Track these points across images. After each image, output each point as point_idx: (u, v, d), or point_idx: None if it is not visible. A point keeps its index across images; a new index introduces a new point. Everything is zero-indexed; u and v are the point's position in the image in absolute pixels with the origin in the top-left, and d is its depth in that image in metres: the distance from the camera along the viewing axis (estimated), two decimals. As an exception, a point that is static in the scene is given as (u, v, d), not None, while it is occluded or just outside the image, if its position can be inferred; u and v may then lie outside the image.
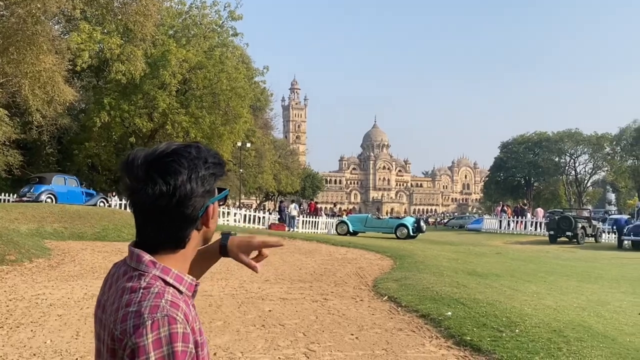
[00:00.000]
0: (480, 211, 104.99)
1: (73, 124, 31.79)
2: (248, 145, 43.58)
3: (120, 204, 26.05)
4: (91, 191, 27.39)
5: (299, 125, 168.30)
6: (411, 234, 25.13)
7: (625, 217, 36.27)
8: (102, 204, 25.48)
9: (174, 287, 1.21)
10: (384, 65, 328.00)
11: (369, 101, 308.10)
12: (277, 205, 40.05)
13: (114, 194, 30.06)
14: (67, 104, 25.36)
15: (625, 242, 25.08)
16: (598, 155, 77.58)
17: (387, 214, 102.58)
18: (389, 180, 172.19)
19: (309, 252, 14.61)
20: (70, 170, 32.09)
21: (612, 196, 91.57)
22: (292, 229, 29.30)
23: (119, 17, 28.96)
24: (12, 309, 7.19)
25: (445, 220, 72.88)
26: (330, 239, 19.04)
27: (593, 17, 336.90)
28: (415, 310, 7.17)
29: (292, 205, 32.65)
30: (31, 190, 23.81)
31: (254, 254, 1.52)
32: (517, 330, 5.89)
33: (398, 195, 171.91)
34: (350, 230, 26.15)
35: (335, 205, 62.34)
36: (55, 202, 22.91)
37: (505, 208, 38.60)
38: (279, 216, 33.00)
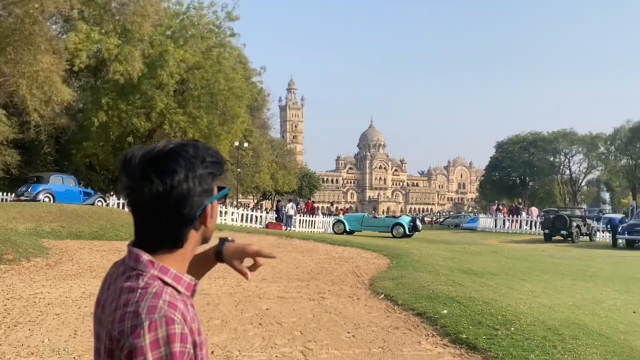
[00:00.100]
0: (475, 210, 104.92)
1: (71, 124, 31.73)
2: (245, 145, 43.55)
3: (118, 203, 26.03)
4: (89, 190, 27.36)
5: (295, 125, 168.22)
6: (407, 232, 25.16)
7: (620, 216, 36.39)
8: (99, 203, 25.45)
9: (172, 287, 1.20)
10: (380, 65, 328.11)
11: (365, 101, 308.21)
12: (274, 205, 40.04)
13: (111, 193, 30.03)
14: (65, 104, 25.35)
15: (620, 240, 25.16)
16: (592, 154, 77.67)
17: (383, 213, 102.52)
18: (385, 180, 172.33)
19: (306, 251, 14.63)
20: (68, 169, 32.02)
21: (606, 195, 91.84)
22: (289, 228, 29.30)
23: (117, 17, 28.97)
24: (10, 308, 7.20)
25: (441, 220, 72.85)
26: (327, 238, 19.06)
27: (588, 18, 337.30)
28: (412, 308, 7.21)
29: (289, 205, 32.66)
30: (29, 190, 23.78)
31: (249, 261, 1.52)
32: (512, 329, 5.94)
33: (394, 194, 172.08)
34: (347, 229, 26.16)
35: (332, 204, 62.39)
36: (53, 202, 22.87)
37: (501, 207, 38.68)
38: (276, 215, 33.00)
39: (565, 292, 9.79)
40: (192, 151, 1.22)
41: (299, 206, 37.71)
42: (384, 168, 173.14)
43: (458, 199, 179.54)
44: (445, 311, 6.80)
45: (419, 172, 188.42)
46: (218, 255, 1.51)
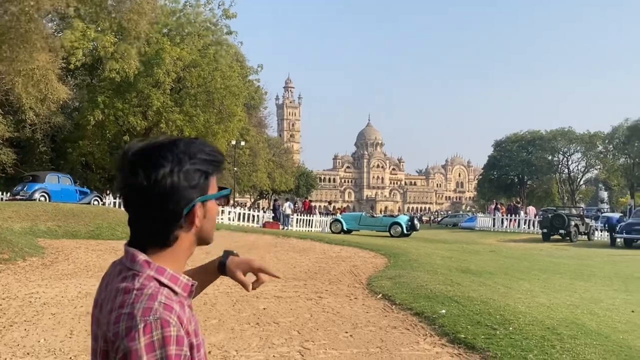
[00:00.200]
0: (473, 209, 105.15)
1: (67, 122, 31.68)
2: (242, 143, 43.51)
3: (115, 202, 25.99)
4: (85, 189, 27.31)
5: (293, 124, 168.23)
6: (405, 232, 25.16)
7: (617, 215, 36.47)
8: (96, 203, 25.42)
9: (169, 287, 1.18)
10: (378, 64, 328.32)
11: (363, 100, 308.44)
12: (271, 204, 40.01)
13: (108, 192, 29.97)
14: (61, 102, 25.23)
15: (618, 239, 25.21)
16: (591, 153, 77.87)
17: (381, 212, 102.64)
18: (383, 179, 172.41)
19: (303, 250, 14.60)
20: (64, 168, 31.97)
21: (604, 194, 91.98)
22: (286, 227, 29.29)
23: (113, 15, 28.81)
24: (6, 308, 7.17)
25: (439, 219, 72.99)
26: (324, 237, 19.03)
27: (587, 17, 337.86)
28: (410, 308, 7.18)
29: (287, 204, 32.67)
30: (24, 189, 23.73)
31: (252, 277, 1.53)
32: (510, 328, 5.91)
33: (392, 193, 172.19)
34: (344, 228, 26.15)
35: (329, 203, 62.38)
36: (49, 201, 22.83)
37: (499, 206, 38.71)
38: (273, 214, 33.00)
39: (563, 292, 9.78)
40: (182, 146, 1.21)
41: (296, 205, 37.71)
42: (382, 167, 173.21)
43: (456, 198, 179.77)
44: (443, 311, 6.77)
45: (416, 171, 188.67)
46: (222, 267, 1.52)
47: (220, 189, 1.28)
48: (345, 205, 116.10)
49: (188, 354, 1.12)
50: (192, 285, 1.25)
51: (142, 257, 1.20)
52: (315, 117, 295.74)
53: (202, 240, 1.28)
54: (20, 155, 30.72)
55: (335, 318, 6.84)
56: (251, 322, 6.57)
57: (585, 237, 28.29)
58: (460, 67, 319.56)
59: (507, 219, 35.56)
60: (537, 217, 34.79)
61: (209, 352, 5.23)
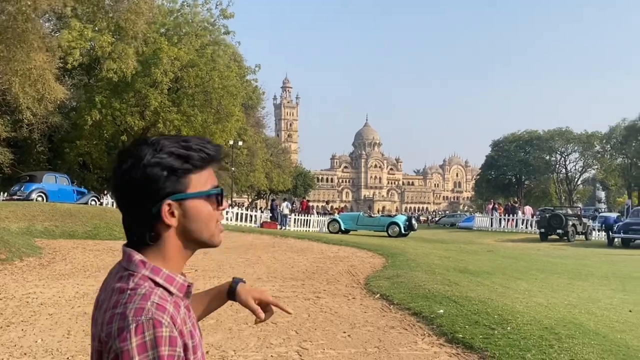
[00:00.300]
0: (471, 209, 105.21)
1: (64, 122, 31.59)
2: (240, 143, 43.47)
3: (112, 203, 25.94)
4: (82, 189, 27.25)
5: (290, 124, 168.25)
6: (403, 232, 25.17)
7: (614, 215, 36.51)
8: (93, 203, 25.37)
9: (164, 288, 1.17)
10: (376, 64, 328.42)
11: (360, 100, 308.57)
12: (269, 204, 40.01)
13: (105, 192, 29.92)
14: (58, 102, 25.21)
15: (615, 239, 25.25)
16: (588, 153, 77.94)
17: (378, 212, 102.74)
18: (381, 179, 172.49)
19: (300, 250, 14.59)
20: (61, 168, 31.89)
21: (602, 194, 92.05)
22: (284, 227, 29.30)
23: (110, 14, 28.82)
24: (3, 308, 7.15)
25: (437, 219, 72.98)
26: (322, 237, 19.04)
27: (586, 17, 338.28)
28: (407, 308, 7.17)
29: (284, 204, 32.67)
30: (22, 189, 23.66)
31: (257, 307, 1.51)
32: (508, 328, 5.91)
33: (389, 193, 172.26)
34: (342, 228, 26.16)
35: (327, 203, 62.41)
36: (46, 201, 22.78)
37: (497, 206, 38.74)
38: (270, 214, 33.00)
39: (561, 291, 9.79)
40: (154, 140, 1.20)
41: (294, 205, 37.70)
42: (380, 167, 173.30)
43: (454, 197, 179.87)
44: (441, 311, 6.76)
45: (414, 171, 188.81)
46: (231, 293, 1.51)
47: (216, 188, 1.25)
48: (342, 205, 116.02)
49: (182, 354, 1.11)
50: (188, 285, 1.24)
51: (137, 257, 1.19)
52: (313, 117, 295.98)
53: (195, 241, 1.24)
54: (18, 155, 30.64)
55: (333, 318, 6.83)
56: (249, 322, 6.55)
57: (582, 237, 28.32)
58: (458, 68, 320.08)
59: (504, 218, 35.59)
60: (534, 217, 34.83)
61: (207, 352, 5.22)
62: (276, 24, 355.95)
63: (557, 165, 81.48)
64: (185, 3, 35.83)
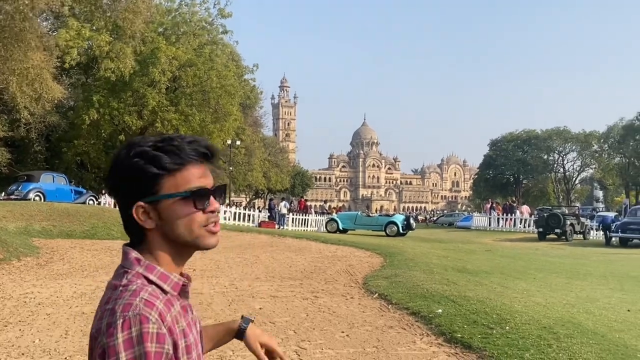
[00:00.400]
0: (469, 209, 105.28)
1: (62, 122, 31.51)
2: (238, 143, 43.46)
3: (110, 202, 25.91)
4: (80, 189, 27.21)
5: (288, 123, 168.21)
6: (401, 231, 25.17)
7: (612, 214, 36.57)
8: (91, 202, 25.34)
9: (157, 285, 1.17)
10: (374, 63, 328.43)
11: (358, 99, 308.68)
12: (267, 203, 40.01)
13: (103, 192, 29.88)
14: (56, 102, 25.13)
15: (613, 239, 25.29)
16: (586, 152, 77.98)
17: (376, 211, 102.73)
18: (379, 178, 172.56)
19: (298, 249, 14.59)
20: (59, 168, 31.84)
21: (599, 193, 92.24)
22: (281, 227, 29.29)
23: (108, 14, 28.79)
24: (0, 308, 7.14)
25: (435, 218, 72.98)
26: (320, 237, 19.03)
27: (583, 17, 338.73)
28: (406, 307, 7.17)
29: (282, 203, 32.65)
30: (19, 188, 23.62)
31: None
32: (507, 327, 5.91)
33: (387, 192, 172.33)
34: (340, 227, 26.15)
35: (325, 202, 62.32)
36: (44, 200, 22.74)
37: (495, 205, 38.75)
38: (268, 214, 33.00)
39: (559, 291, 9.79)
40: (132, 144, 1.21)
41: (291, 205, 37.68)
42: (377, 166, 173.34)
43: (452, 197, 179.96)
44: (439, 310, 6.76)
45: (412, 170, 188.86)
46: (240, 333, 1.50)
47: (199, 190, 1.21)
48: (340, 204, 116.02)
49: (171, 352, 1.10)
50: (182, 284, 1.23)
51: (133, 254, 1.20)
52: (311, 116, 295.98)
53: (180, 244, 1.22)
54: (15, 155, 30.55)
55: (332, 318, 6.83)
56: (247, 321, 6.54)
57: (580, 237, 28.35)
58: (456, 67, 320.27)
59: (502, 218, 35.62)
60: (532, 216, 34.86)
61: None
62: (274, 23, 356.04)
63: (555, 165, 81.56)
64: (183, 2, 35.77)
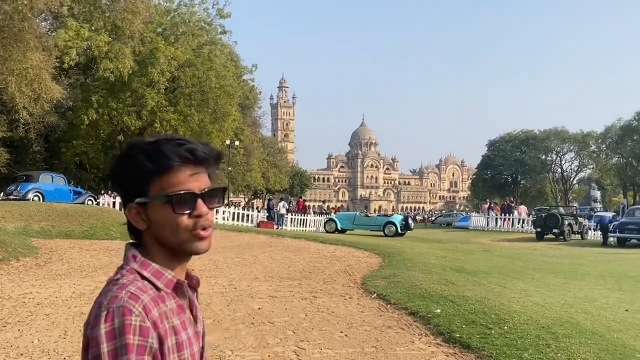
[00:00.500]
0: (467, 209, 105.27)
1: (60, 122, 31.49)
2: (236, 143, 43.48)
3: (109, 202, 25.90)
4: (79, 189, 27.19)
5: (287, 124, 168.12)
6: (399, 231, 25.17)
7: (610, 215, 36.58)
8: (90, 202, 25.32)
9: (150, 281, 1.18)
10: (372, 64, 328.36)
11: (357, 99, 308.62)
12: (266, 203, 39.99)
13: (102, 192, 29.87)
14: (55, 102, 25.13)
15: (611, 239, 25.32)
16: (584, 153, 77.92)
17: (375, 211, 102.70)
18: (377, 178, 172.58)
19: (297, 249, 14.58)
20: (58, 168, 31.80)
21: (597, 194, 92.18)
22: (280, 227, 29.29)
23: (107, 14, 28.77)
24: (-1, 308, 7.14)
25: (433, 218, 72.94)
26: (318, 237, 19.02)
27: (581, 17, 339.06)
28: (404, 307, 7.17)
29: (281, 203, 32.65)
30: (18, 189, 23.60)
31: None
32: (505, 327, 5.92)
33: (386, 193, 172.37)
34: (339, 228, 26.14)
35: (323, 203, 62.31)
36: (43, 201, 22.72)
37: (493, 205, 38.77)
38: (267, 214, 32.98)
39: (557, 291, 9.80)
40: (126, 146, 1.24)
41: (290, 205, 37.68)
42: (376, 166, 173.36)
43: (450, 197, 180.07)
44: (438, 310, 6.77)
45: (410, 171, 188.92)
46: None
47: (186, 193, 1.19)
48: (339, 204, 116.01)
49: (155, 346, 1.10)
50: (176, 282, 1.23)
51: (131, 252, 1.22)
52: (310, 116, 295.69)
53: (168, 247, 1.22)
54: (14, 155, 30.53)
55: (330, 317, 6.84)
56: (246, 321, 6.56)
57: (578, 237, 28.37)
58: (455, 67, 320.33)
59: (500, 218, 35.64)
60: (529, 216, 34.90)
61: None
62: (273, 24, 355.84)
63: (553, 165, 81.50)
64: (182, 3, 35.81)
